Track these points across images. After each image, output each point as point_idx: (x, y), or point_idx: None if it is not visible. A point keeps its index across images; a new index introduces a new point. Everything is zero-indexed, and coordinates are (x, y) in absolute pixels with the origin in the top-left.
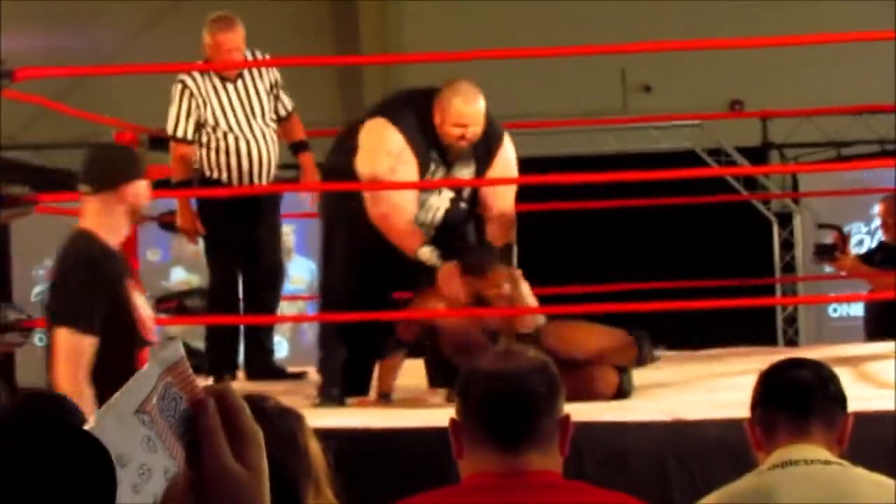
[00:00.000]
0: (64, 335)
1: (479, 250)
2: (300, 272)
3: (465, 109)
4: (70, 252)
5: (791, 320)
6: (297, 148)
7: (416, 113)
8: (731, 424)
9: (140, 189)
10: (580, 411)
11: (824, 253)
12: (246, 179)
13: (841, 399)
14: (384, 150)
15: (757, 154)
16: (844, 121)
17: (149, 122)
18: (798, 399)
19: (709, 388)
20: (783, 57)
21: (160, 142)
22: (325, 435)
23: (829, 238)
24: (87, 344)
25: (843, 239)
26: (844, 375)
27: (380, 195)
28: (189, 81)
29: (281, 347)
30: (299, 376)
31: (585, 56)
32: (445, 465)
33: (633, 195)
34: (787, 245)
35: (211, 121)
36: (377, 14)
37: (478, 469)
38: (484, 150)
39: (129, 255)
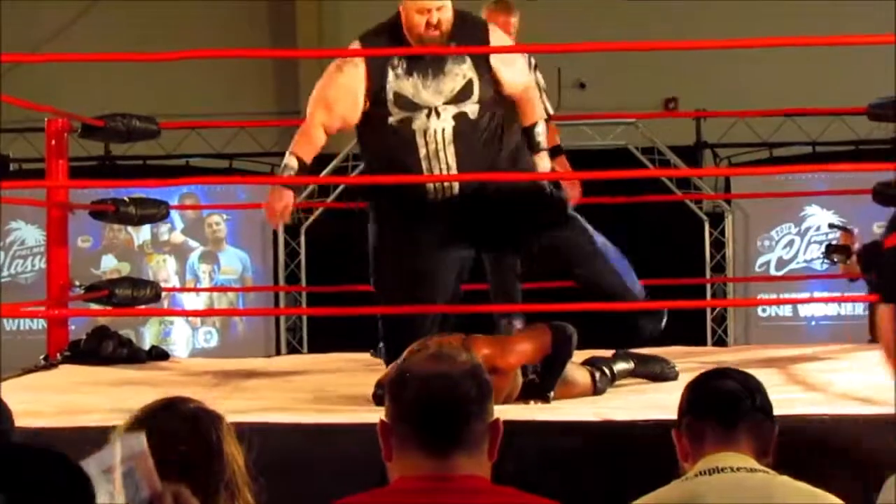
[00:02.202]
0: None
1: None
2: (231, 263)
3: None
4: None
5: (720, 320)
6: None
7: (386, 27)
8: (660, 426)
9: None
10: (509, 410)
11: (839, 253)
12: None
13: (767, 410)
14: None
15: (690, 153)
16: (777, 121)
17: (86, 108)
18: (725, 409)
19: (638, 388)
20: (717, 55)
21: (94, 130)
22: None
23: (838, 238)
24: None
25: (852, 240)
26: (771, 377)
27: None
28: None
29: (211, 338)
30: None
31: None
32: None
33: None
34: (718, 244)
35: None
36: (314, 13)
37: (406, 472)
38: (474, 40)
39: (60, 238)
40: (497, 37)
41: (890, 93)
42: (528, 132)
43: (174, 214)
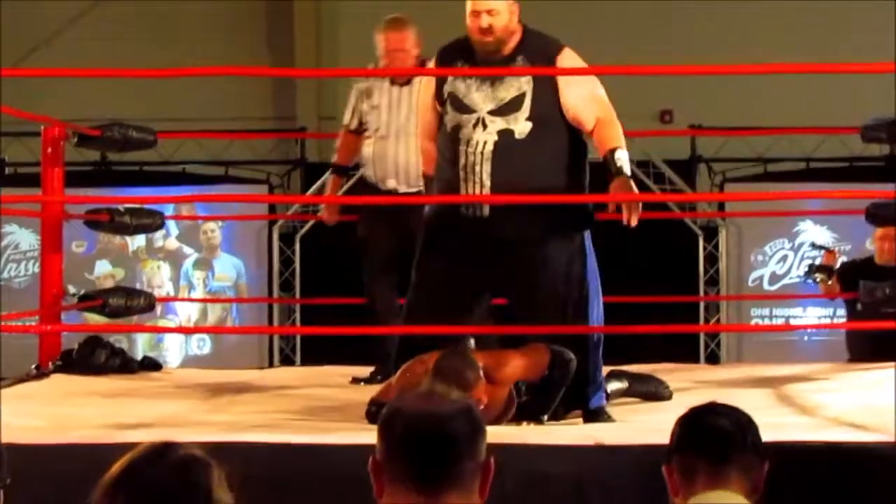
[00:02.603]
0: None
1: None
2: (226, 270)
3: None
4: None
5: (713, 334)
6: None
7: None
8: (652, 450)
9: None
10: (502, 434)
11: (821, 272)
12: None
13: (758, 447)
14: None
15: (685, 167)
16: (772, 136)
17: (82, 111)
18: (716, 448)
19: (630, 409)
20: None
21: (90, 139)
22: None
23: (819, 258)
24: None
25: (834, 260)
26: (764, 399)
27: None
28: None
29: (204, 345)
30: None
31: None
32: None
33: None
34: (712, 258)
35: (364, 117)
36: (312, 12)
37: None
38: (540, 57)
39: (54, 247)
40: (567, 60)
41: (884, 110)
42: (607, 160)
43: (169, 220)
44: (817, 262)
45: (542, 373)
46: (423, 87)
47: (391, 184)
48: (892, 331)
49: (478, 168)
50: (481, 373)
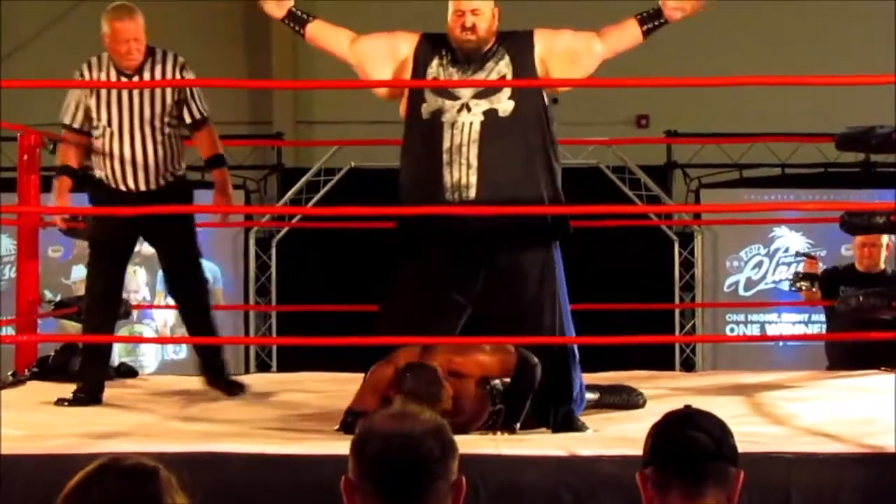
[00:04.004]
0: None
1: (421, 375)
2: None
3: None
4: None
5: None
6: (208, 163)
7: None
8: (626, 461)
9: None
10: (476, 443)
11: (806, 280)
12: (121, 180)
13: (733, 457)
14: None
15: (661, 172)
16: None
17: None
18: (691, 460)
19: (604, 418)
20: (689, 72)
21: None
22: None
23: (801, 266)
24: None
25: (817, 267)
26: (738, 407)
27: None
28: (85, 72)
29: (180, 350)
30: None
31: None
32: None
33: None
34: (688, 264)
35: (94, 113)
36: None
37: None
38: (517, 48)
39: (30, 254)
40: (543, 34)
41: (860, 118)
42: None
43: None
44: (800, 268)
45: (509, 372)
46: (394, 37)
47: (130, 183)
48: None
49: (464, 149)
50: (445, 383)
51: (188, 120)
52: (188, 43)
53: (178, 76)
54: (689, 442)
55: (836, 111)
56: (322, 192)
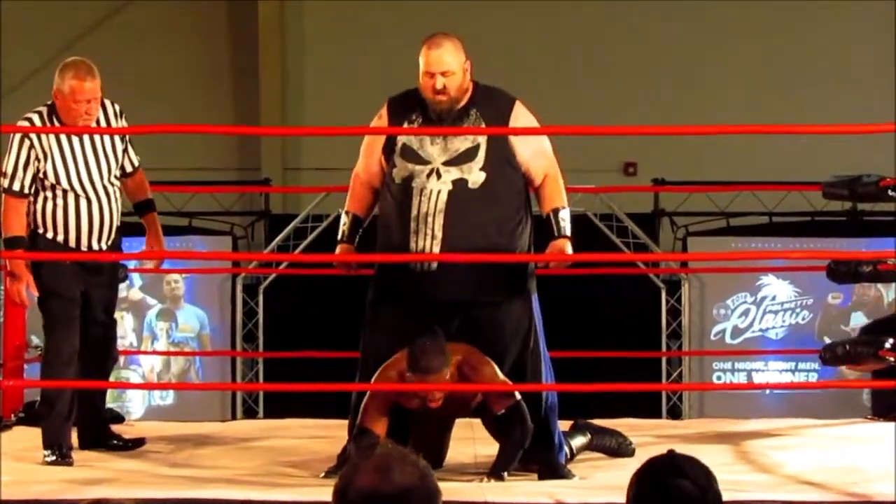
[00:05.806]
0: None
1: (431, 349)
2: (189, 321)
3: (429, 53)
4: None
5: None
6: (142, 207)
7: (416, 88)
8: None
9: None
10: (462, 492)
11: None
12: (85, 241)
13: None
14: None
15: (648, 220)
16: (735, 191)
17: None
18: None
19: (591, 465)
20: (677, 119)
21: None
22: None
23: None
24: None
25: None
26: (724, 455)
27: None
28: (34, 137)
29: (167, 396)
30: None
31: None
32: None
33: None
34: (675, 312)
35: (52, 176)
36: (276, 14)
37: None
38: (495, 112)
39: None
40: (521, 115)
41: (846, 166)
42: (550, 218)
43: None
44: None
45: (508, 402)
46: (375, 122)
47: (94, 243)
48: None
49: (430, 219)
50: (449, 367)
51: (129, 169)
52: (176, 88)
53: (123, 124)
54: (673, 488)
55: (825, 159)
56: (309, 238)
